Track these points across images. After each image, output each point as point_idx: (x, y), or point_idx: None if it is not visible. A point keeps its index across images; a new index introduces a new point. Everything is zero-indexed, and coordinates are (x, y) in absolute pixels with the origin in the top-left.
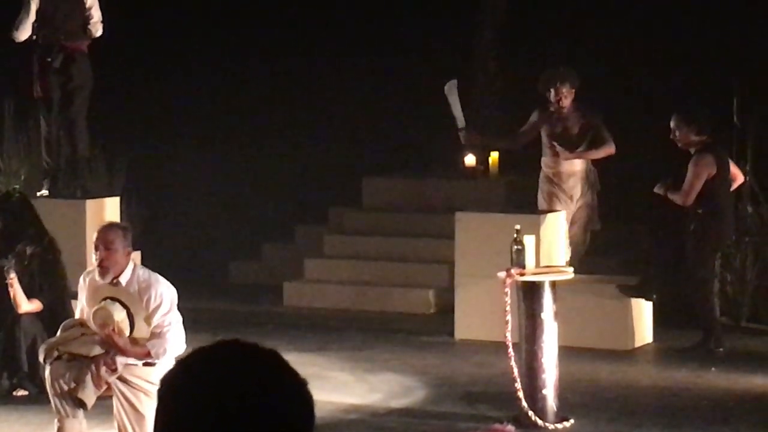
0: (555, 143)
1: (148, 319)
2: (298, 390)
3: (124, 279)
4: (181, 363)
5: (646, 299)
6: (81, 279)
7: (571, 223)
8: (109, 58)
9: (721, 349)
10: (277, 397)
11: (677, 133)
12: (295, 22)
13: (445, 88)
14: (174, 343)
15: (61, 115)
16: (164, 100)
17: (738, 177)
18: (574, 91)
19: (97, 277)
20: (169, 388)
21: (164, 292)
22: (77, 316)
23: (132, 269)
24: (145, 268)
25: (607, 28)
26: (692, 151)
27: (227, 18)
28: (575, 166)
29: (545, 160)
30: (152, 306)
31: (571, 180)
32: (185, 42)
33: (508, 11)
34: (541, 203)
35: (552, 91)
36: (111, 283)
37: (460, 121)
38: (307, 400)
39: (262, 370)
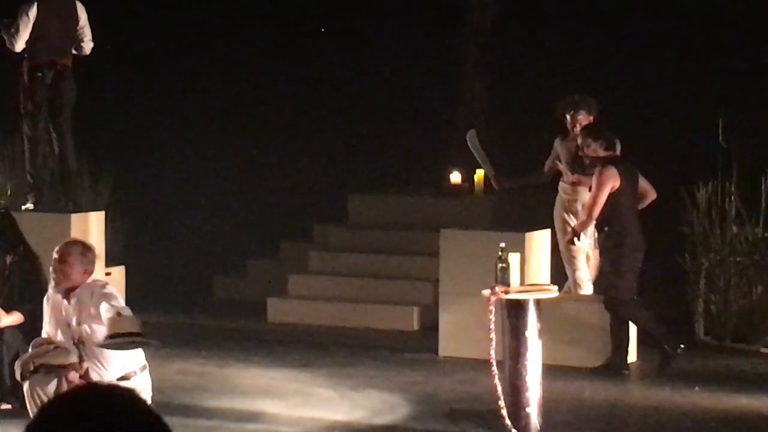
0: (558, 162)
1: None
2: (155, 426)
3: (77, 292)
4: (39, 412)
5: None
6: (44, 300)
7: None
8: (96, 73)
9: (681, 346)
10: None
11: (585, 149)
12: (280, 40)
13: (467, 139)
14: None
15: (49, 130)
16: (149, 116)
17: (649, 193)
18: (592, 118)
19: (50, 290)
20: None
21: (113, 295)
22: (44, 335)
23: (87, 285)
24: (109, 286)
25: (593, 51)
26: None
27: (214, 35)
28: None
29: (563, 186)
30: (106, 299)
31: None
32: (171, 58)
33: (494, 32)
34: (556, 225)
35: (568, 117)
36: (65, 296)
37: (488, 168)
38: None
39: (116, 409)
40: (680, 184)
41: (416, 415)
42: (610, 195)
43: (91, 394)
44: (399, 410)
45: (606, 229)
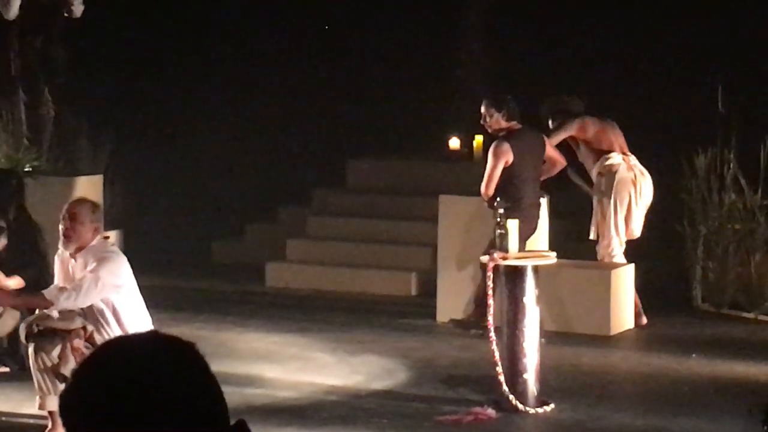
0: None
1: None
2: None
3: (83, 252)
4: (72, 376)
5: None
6: (55, 258)
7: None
8: (97, 38)
9: (476, 332)
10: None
11: (488, 119)
12: (278, 6)
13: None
14: (79, 296)
15: (45, 94)
16: (149, 80)
17: (558, 162)
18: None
19: (60, 248)
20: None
21: (105, 258)
22: None
23: (92, 247)
24: (112, 247)
25: (592, 16)
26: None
27: (212, 4)
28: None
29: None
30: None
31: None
32: (172, 25)
33: None
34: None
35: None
36: (74, 255)
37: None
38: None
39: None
40: (679, 151)
41: (414, 381)
42: (505, 170)
43: (126, 346)
44: (397, 375)
45: (498, 200)
